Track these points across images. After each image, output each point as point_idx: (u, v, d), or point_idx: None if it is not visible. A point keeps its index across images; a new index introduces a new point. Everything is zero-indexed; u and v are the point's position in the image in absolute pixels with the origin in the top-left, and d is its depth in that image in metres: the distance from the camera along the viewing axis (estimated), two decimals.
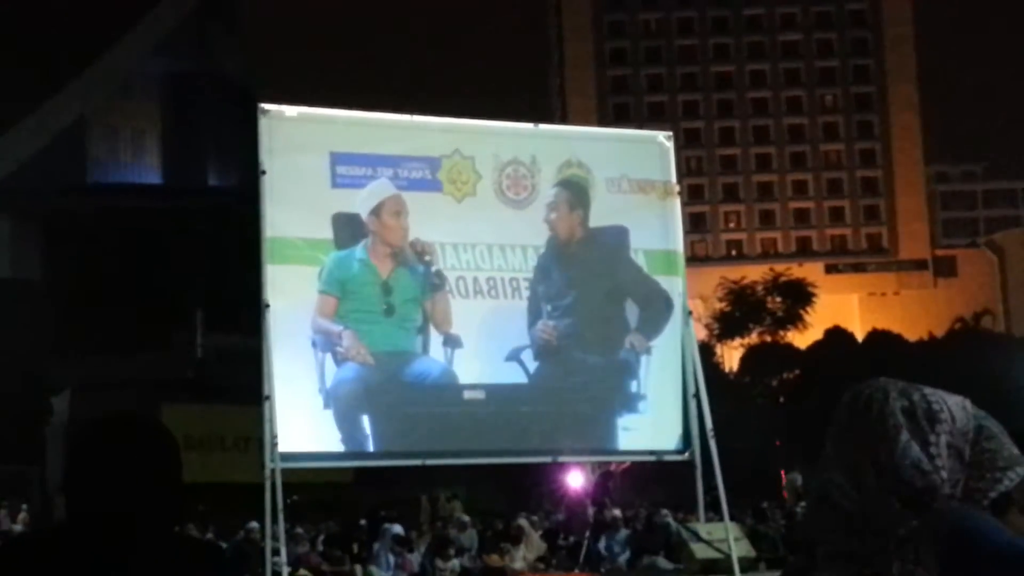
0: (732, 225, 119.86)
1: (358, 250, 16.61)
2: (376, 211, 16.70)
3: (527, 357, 17.15)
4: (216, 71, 62.33)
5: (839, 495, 2.31)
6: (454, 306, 16.93)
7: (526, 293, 17.25)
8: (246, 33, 68.79)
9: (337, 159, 16.84)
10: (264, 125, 16.55)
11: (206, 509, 28.33)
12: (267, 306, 15.96)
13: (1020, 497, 2.91)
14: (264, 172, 16.31)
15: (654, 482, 33.65)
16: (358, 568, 25.26)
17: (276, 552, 16.10)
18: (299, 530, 25.59)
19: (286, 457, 15.81)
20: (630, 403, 17.54)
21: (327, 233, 16.55)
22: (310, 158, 16.71)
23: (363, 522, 29.10)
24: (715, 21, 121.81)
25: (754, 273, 72.61)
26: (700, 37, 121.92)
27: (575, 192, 17.52)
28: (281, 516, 15.88)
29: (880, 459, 2.31)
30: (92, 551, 2.99)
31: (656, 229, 17.91)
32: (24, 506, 32.75)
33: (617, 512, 30.44)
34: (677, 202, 18.20)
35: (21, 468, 39.86)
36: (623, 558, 26.16)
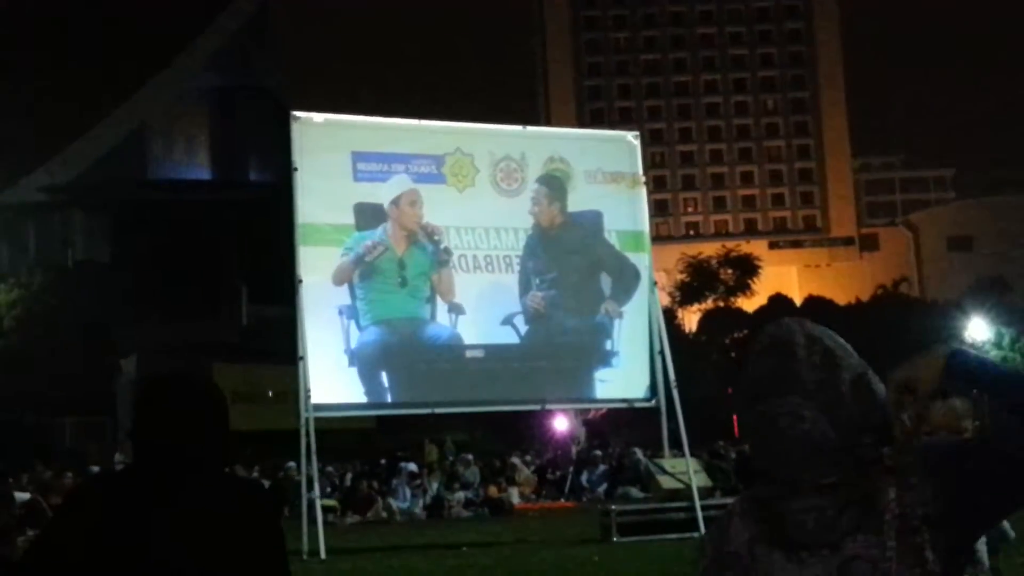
0: (690, 209, 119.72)
1: (378, 232, 16.64)
2: (396, 201, 16.75)
3: (519, 322, 17.18)
4: (255, 84, 62.20)
5: (813, 428, 2.13)
6: (457, 279, 16.95)
7: (517, 268, 17.28)
8: (281, 51, 68.40)
9: (358, 157, 16.83)
10: (296, 129, 16.54)
11: (252, 452, 28.36)
12: (300, 281, 15.97)
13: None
14: (296, 169, 16.31)
15: (626, 425, 33.67)
16: (379, 499, 25.34)
17: (311, 487, 16.13)
18: (329, 468, 25.65)
19: (318, 408, 15.85)
20: (605, 359, 17.58)
21: (349, 219, 16.57)
22: (335, 156, 16.70)
23: (383, 462, 29.16)
24: (674, 39, 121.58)
25: (709, 249, 72.44)
26: (662, 52, 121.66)
27: (553, 187, 17.56)
28: (314, 457, 15.93)
29: (844, 396, 2.16)
30: (155, 486, 3.00)
31: (626, 213, 17.93)
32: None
33: (597, 451, 30.57)
34: (643, 191, 18.21)
35: (97, 418, 39.90)
36: (601, 489, 26.27)
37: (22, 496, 21.57)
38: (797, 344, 2.19)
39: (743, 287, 66.89)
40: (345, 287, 16.43)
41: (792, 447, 2.09)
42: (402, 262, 16.72)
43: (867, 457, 2.10)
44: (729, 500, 14.71)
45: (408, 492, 25.78)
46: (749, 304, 65.50)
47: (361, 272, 16.51)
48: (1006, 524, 4.01)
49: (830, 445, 2.09)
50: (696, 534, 14.98)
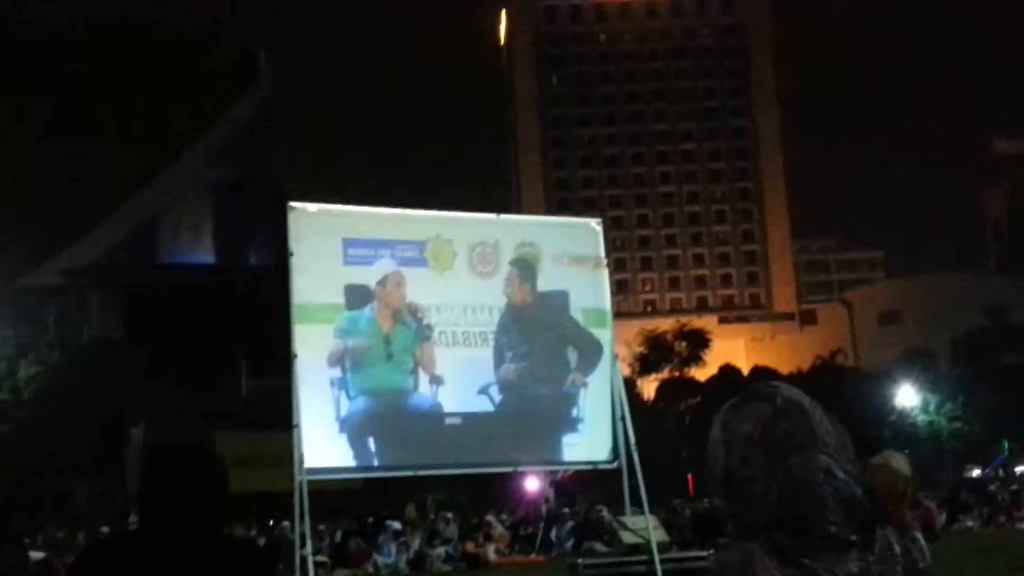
0: (647, 288, 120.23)
1: (366, 311, 16.62)
2: (382, 282, 16.70)
3: (493, 391, 17.12)
4: (254, 177, 62.42)
5: (844, 486, 2.10)
6: (438, 353, 16.89)
7: (492, 343, 17.23)
8: (280, 146, 68.73)
9: (348, 243, 16.83)
10: (291, 218, 16.55)
11: (250, 512, 28.10)
12: (295, 356, 15.88)
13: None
14: (292, 254, 16.29)
15: (591, 485, 33.52)
16: (371, 555, 25.17)
17: (303, 544, 15.94)
18: (321, 527, 25.40)
19: (311, 471, 15.69)
20: (572, 425, 17.51)
21: (340, 299, 16.52)
22: (327, 242, 16.68)
23: (370, 520, 28.95)
24: (632, 135, 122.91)
25: (664, 324, 72.90)
26: (621, 147, 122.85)
27: (524, 269, 17.56)
28: (307, 517, 15.76)
29: (852, 457, 2.17)
30: (159, 547, 2.99)
31: (590, 292, 17.95)
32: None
33: (565, 509, 30.43)
34: (605, 272, 18.25)
35: (108, 484, 39.52)
36: (569, 544, 26.08)
37: (36, 555, 21.26)
38: (810, 407, 2.19)
39: (696, 358, 67.27)
40: (337, 361, 16.37)
41: (827, 501, 2.05)
42: (387, 338, 16.67)
43: (873, 515, 2.12)
44: (688, 553, 14.63)
45: (393, 548, 25.61)
46: (701, 374, 65.76)
47: (351, 347, 16.47)
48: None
49: (857, 502, 2.08)
50: None
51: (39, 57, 62.61)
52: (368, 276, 16.69)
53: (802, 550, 2.05)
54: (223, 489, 3.10)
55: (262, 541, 23.78)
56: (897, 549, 2.13)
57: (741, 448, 2.16)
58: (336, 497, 29.16)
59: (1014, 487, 39.27)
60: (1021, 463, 57.50)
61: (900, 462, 3.82)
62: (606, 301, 18.12)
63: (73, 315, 53.93)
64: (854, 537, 2.07)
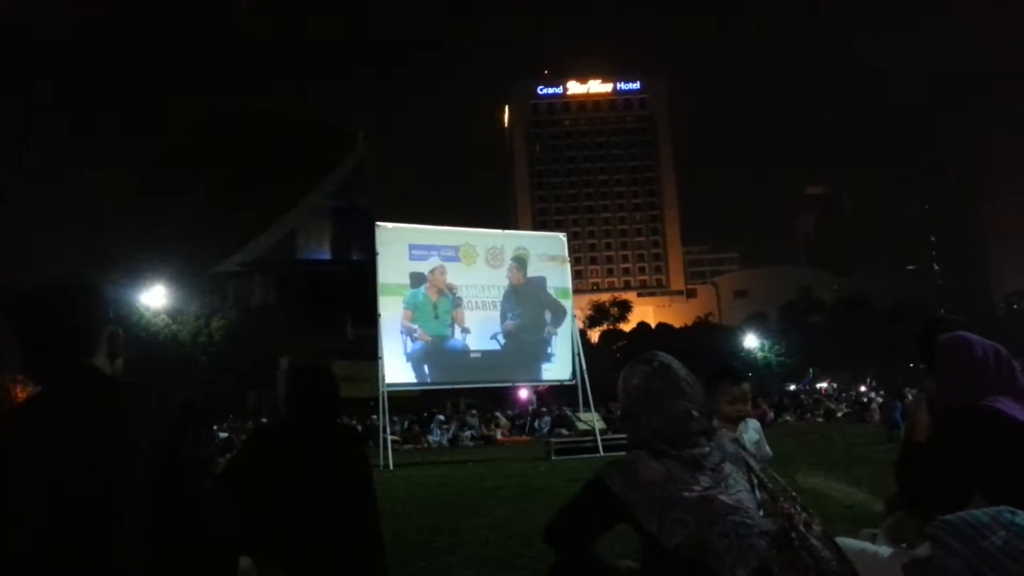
0: (595, 277, 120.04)
1: (421, 289, 16.61)
2: (432, 271, 16.72)
3: (500, 337, 17.15)
4: (356, 207, 62.05)
5: (698, 417, 2.12)
6: (466, 314, 16.92)
7: (499, 308, 17.26)
8: (372, 184, 68.33)
9: (412, 247, 16.82)
10: (378, 232, 16.56)
11: (353, 410, 28.10)
12: (380, 315, 15.93)
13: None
14: (378, 253, 16.31)
15: (559, 394, 33.55)
16: (420, 435, 25.13)
17: (385, 429, 15.99)
18: (395, 419, 25.44)
19: (389, 385, 15.76)
20: (548, 358, 17.56)
21: (406, 281, 16.54)
22: (398, 247, 16.68)
23: (424, 414, 28.97)
24: (585, 182, 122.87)
25: (604, 297, 72.86)
26: (578, 189, 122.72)
27: (519, 263, 17.58)
28: (387, 412, 15.82)
29: (703, 396, 2.20)
30: (301, 432, 3.00)
31: (558, 278, 17.97)
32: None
33: (543, 408, 30.40)
34: (568, 265, 18.27)
35: (266, 392, 39.53)
36: (546, 430, 26.06)
37: (223, 435, 21.32)
38: (676, 367, 2.17)
39: (623, 318, 67.14)
40: (405, 319, 16.36)
41: (687, 428, 2.07)
42: (435, 305, 16.69)
43: (710, 428, 2.13)
44: (618, 436, 14.72)
45: (439, 432, 25.60)
46: (626, 327, 65.69)
47: (413, 310, 16.48)
48: (767, 447, 3.84)
49: (705, 425, 2.11)
50: (597, 455, 14.90)
51: (211, 131, 62.54)
52: (423, 267, 16.73)
53: (671, 452, 2.05)
54: (336, 395, 3.12)
55: (360, 427, 23.83)
56: (729, 446, 2.12)
57: (632, 395, 2.16)
58: (404, 400, 29.25)
59: (815, 397, 39.34)
60: (820, 381, 57.63)
61: (746, 384, 3.84)
62: (568, 283, 18.19)
63: (244, 290, 53.76)
64: (704, 442, 2.07)
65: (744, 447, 2.18)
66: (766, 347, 57.49)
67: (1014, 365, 2.18)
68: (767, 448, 3.78)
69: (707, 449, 2.06)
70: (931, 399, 2.30)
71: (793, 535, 1.93)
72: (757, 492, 2.06)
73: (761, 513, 1.99)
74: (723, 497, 1.96)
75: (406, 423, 27.17)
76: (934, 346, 2.25)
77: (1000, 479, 1.92)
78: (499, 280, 17.33)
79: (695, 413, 2.09)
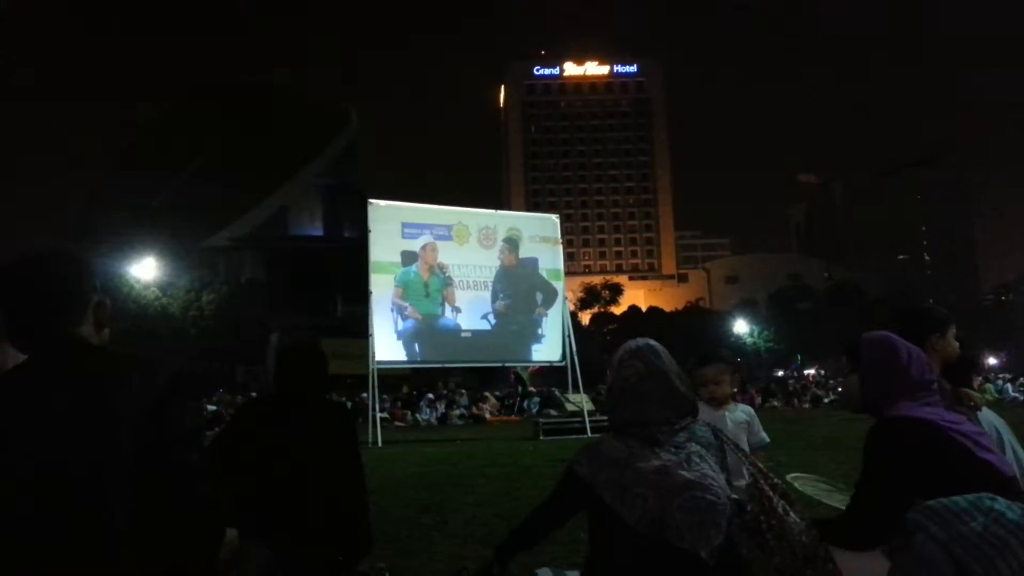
0: (586, 258, 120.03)
1: (413, 268, 16.55)
2: (423, 249, 16.65)
3: (490, 317, 17.15)
4: (347, 184, 61.68)
5: (681, 393, 2.16)
6: (457, 293, 16.89)
7: (490, 288, 17.24)
8: (362, 163, 67.91)
9: (404, 225, 16.75)
10: (370, 209, 16.46)
11: (341, 387, 28.10)
12: (371, 292, 15.89)
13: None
14: (370, 231, 16.23)
15: (549, 375, 33.62)
16: (408, 414, 25.18)
17: (374, 408, 16.01)
18: (384, 396, 25.46)
19: (379, 363, 15.76)
20: (538, 339, 17.58)
21: (397, 259, 16.48)
22: (391, 224, 16.61)
23: (414, 392, 28.97)
24: (579, 164, 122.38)
25: (596, 280, 72.93)
26: (572, 171, 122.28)
27: (511, 244, 17.54)
28: (376, 390, 15.83)
29: (682, 380, 2.24)
30: (285, 404, 2.99)
31: (550, 259, 17.95)
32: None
33: (532, 389, 30.49)
34: (560, 247, 18.23)
35: (255, 368, 39.47)
36: (535, 410, 26.16)
37: (211, 407, 21.32)
38: (660, 350, 2.19)
39: (614, 301, 67.23)
40: (396, 296, 16.33)
41: (661, 405, 2.09)
42: (426, 283, 16.65)
43: (692, 409, 2.14)
44: (605, 417, 14.84)
45: (428, 410, 25.65)
46: (617, 311, 65.82)
47: (404, 289, 16.44)
48: (763, 433, 3.83)
49: (684, 401, 2.13)
50: (585, 436, 14.98)
51: (208, 112, 61.91)
52: (415, 245, 16.65)
53: (637, 433, 2.07)
54: (324, 372, 3.11)
55: (349, 404, 23.86)
56: (699, 430, 2.11)
57: (620, 385, 2.18)
58: (394, 378, 29.29)
59: (802, 383, 39.60)
60: (808, 368, 58.02)
61: (721, 365, 3.85)
62: (560, 264, 18.16)
63: (235, 264, 53.51)
64: (675, 420, 2.08)
65: (721, 432, 2.16)
66: (755, 333, 57.76)
67: (932, 368, 2.17)
68: (763, 434, 3.70)
69: (675, 427, 2.08)
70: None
71: (763, 518, 1.92)
72: (734, 476, 2.06)
73: (735, 497, 1.99)
74: (683, 472, 1.95)
75: (396, 401, 27.18)
76: (859, 342, 2.21)
77: (930, 479, 1.90)
78: (491, 260, 17.28)
79: (673, 420, 2.09)
